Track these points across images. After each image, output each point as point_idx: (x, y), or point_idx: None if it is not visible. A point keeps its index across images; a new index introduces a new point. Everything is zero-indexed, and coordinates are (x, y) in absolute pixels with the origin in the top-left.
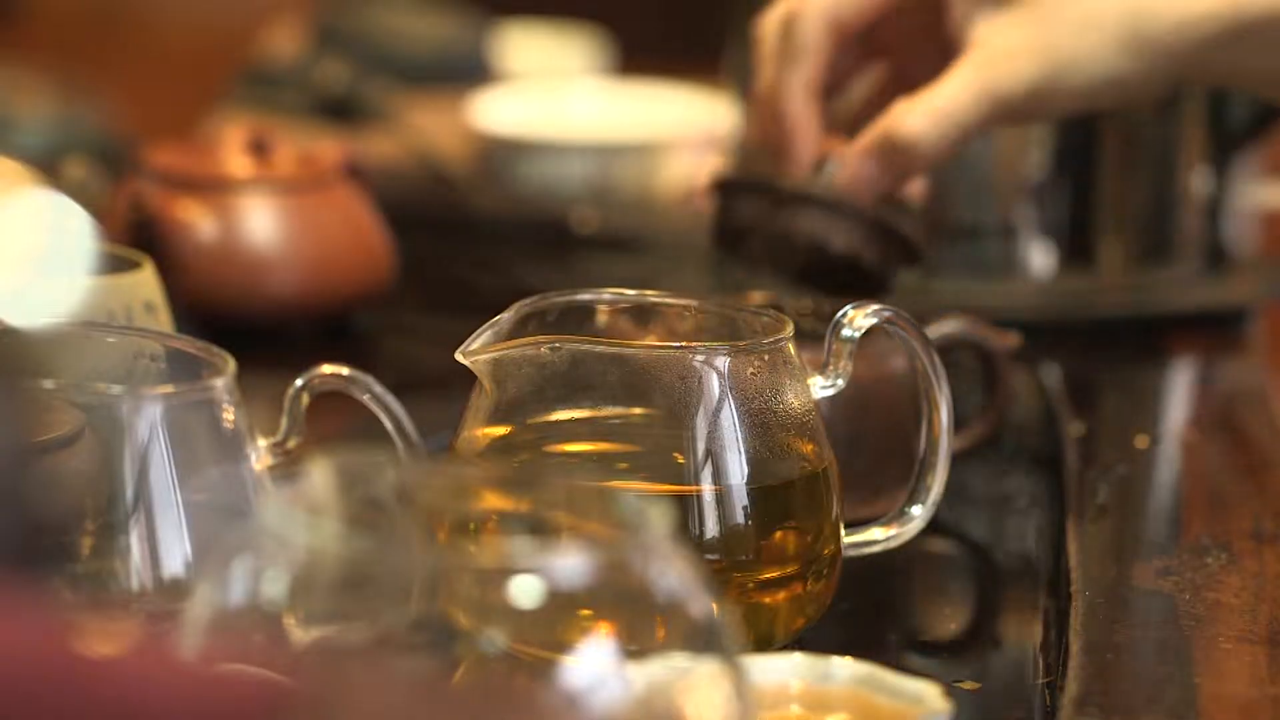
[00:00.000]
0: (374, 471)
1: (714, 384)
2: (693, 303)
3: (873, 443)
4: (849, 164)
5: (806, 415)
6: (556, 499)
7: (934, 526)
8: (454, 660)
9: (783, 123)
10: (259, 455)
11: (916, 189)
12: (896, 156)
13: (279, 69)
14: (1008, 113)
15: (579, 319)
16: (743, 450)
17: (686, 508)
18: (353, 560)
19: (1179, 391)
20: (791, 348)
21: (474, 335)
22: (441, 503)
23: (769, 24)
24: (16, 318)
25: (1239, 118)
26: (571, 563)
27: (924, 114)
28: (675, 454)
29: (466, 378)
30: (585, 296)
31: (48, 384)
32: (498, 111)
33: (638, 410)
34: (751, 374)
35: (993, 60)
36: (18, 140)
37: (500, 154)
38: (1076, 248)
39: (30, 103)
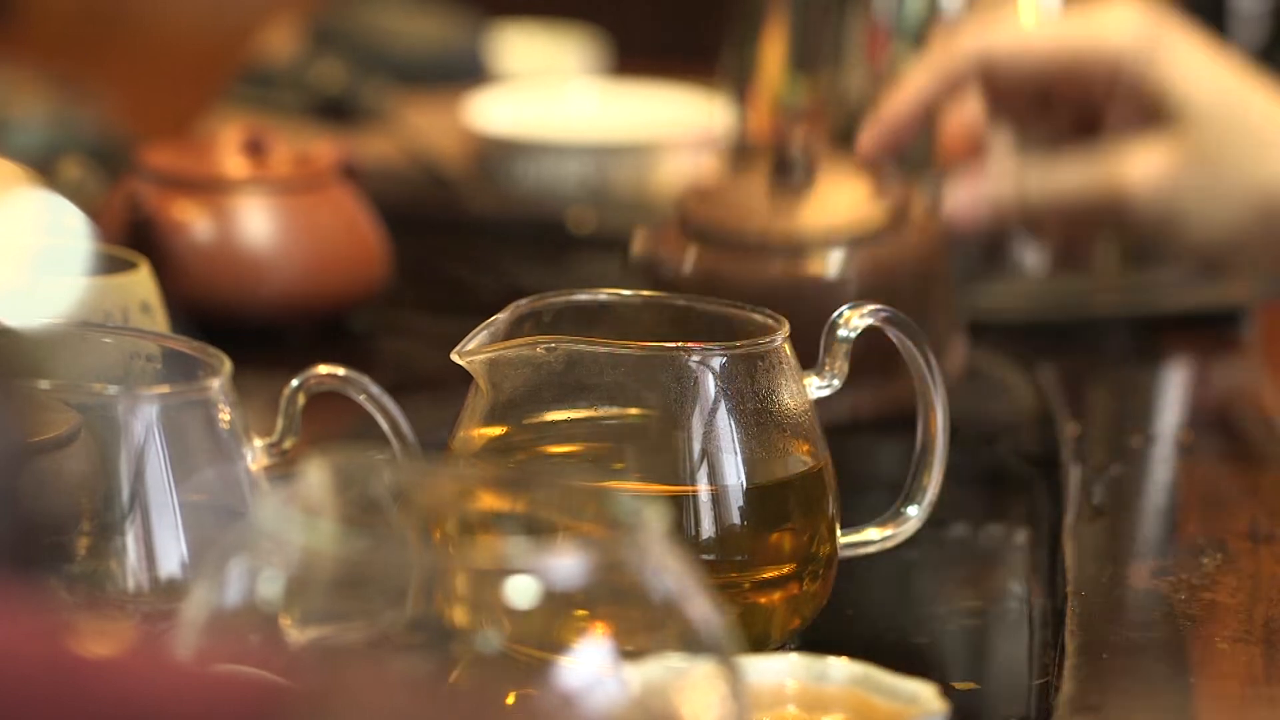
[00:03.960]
0: (370, 472)
1: (709, 384)
2: (689, 303)
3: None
4: (960, 199)
5: (802, 415)
6: (552, 499)
7: (929, 526)
8: (450, 660)
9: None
10: (255, 456)
11: None
12: (1003, 213)
13: (275, 69)
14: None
15: (575, 319)
16: (738, 450)
17: (682, 508)
18: (349, 561)
19: (1175, 391)
20: (788, 348)
21: (470, 335)
22: (438, 503)
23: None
24: (13, 318)
25: None
26: (567, 563)
27: (1040, 193)
28: (671, 454)
29: (463, 378)
30: (581, 297)
31: (44, 384)
32: (494, 112)
33: (634, 410)
34: (747, 374)
35: (1124, 186)
36: (14, 140)
37: (496, 154)
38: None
39: (26, 102)
